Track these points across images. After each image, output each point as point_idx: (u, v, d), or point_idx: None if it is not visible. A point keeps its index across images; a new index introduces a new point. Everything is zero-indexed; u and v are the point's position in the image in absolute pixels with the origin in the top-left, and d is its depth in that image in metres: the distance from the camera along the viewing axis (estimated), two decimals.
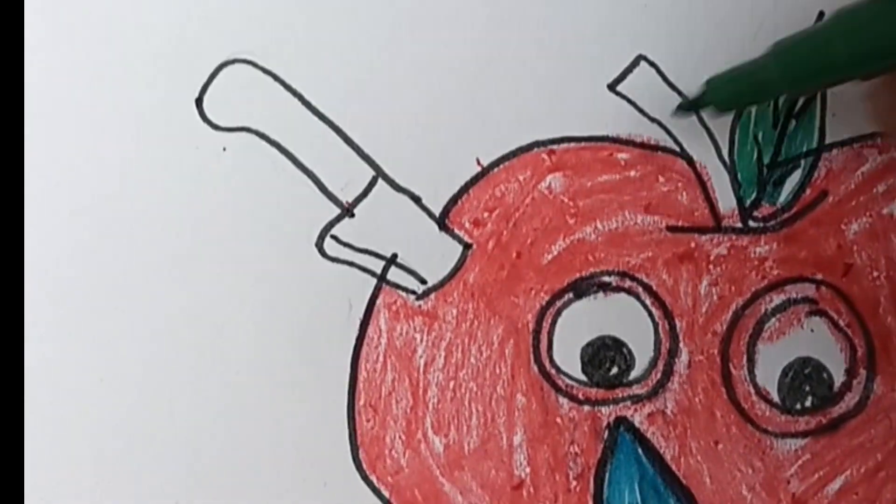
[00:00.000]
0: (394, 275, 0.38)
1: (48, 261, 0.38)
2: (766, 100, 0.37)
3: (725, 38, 0.37)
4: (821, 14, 0.37)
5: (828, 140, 0.38)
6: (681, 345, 0.37)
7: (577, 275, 0.38)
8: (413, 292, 0.38)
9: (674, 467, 0.37)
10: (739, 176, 0.38)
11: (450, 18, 0.38)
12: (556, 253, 0.38)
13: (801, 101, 0.37)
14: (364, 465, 0.38)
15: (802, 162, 0.38)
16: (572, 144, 0.38)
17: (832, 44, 0.32)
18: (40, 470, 0.38)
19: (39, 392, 0.38)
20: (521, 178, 0.38)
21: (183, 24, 0.38)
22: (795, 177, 0.38)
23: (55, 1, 0.38)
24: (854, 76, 0.33)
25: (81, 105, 0.38)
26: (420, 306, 0.38)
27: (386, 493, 0.38)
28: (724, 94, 0.36)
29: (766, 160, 0.38)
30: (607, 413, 0.38)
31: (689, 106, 0.37)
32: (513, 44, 0.38)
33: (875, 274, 0.37)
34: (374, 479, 0.38)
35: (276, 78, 0.38)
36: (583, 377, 0.38)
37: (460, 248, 0.38)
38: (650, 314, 0.38)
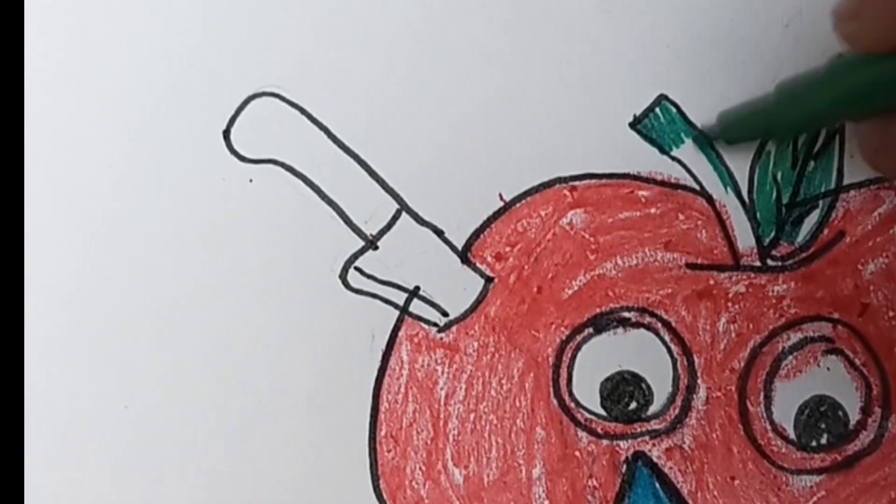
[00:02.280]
0: (416, 307, 0.38)
1: (69, 288, 0.38)
2: (771, 137, 0.38)
3: (746, 79, 0.38)
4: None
5: (846, 181, 0.38)
6: (699, 381, 0.38)
7: (597, 310, 0.38)
8: (435, 325, 0.38)
9: (690, 502, 0.38)
10: (758, 215, 0.38)
11: (475, 55, 0.39)
12: (576, 288, 0.38)
13: (819, 143, 0.38)
14: (384, 496, 0.38)
15: (821, 202, 0.38)
16: (594, 181, 0.38)
17: (822, 92, 0.34)
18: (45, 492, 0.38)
19: (61, 417, 0.38)
20: (542, 213, 0.38)
21: (211, 56, 0.39)
22: (814, 217, 0.38)
23: (81, 31, 0.39)
24: (845, 120, 0.36)
25: (108, 136, 0.38)
26: (442, 339, 0.38)
27: None
28: (734, 129, 0.37)
29: (785, 200, 0.38)
30: (626, 447, 0.38)
31: (702, 139, 0.38)
32: (536, 81, 0.39)
33: (891, 314, 0.38)
34: None
35: (302, 111, 0.39)
36: (602, 411, 0.38)
37: (482, 281, 0.38)
38: (669, 350, 0.38)
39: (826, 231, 0.38)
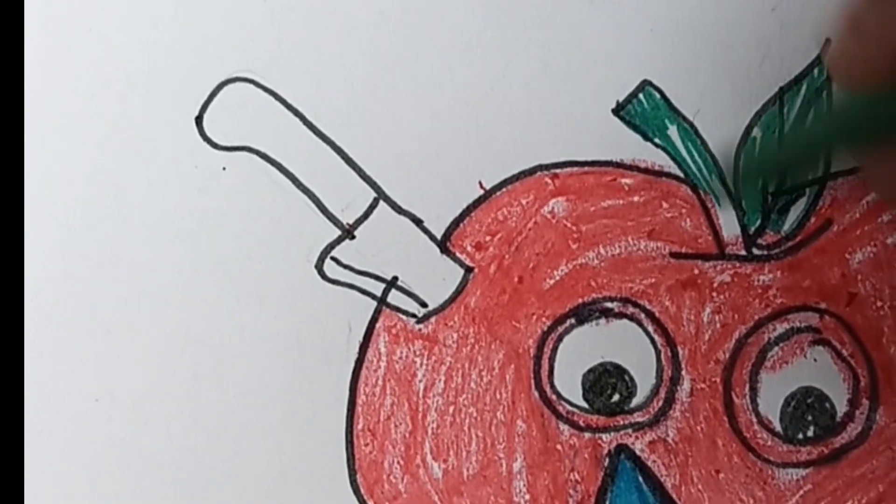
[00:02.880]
0: (394, 298, 0.38)
1: (44, 279, 0.38)
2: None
3: (731, 64, 0.37)
4: (828, 41, 0.37)
5: (833, 168, 0.37)
6: (683, 372, 0.37)
7: (580, 300, 0.37)
8: (413, 315, 0.38)
9: (674, 496, 0.37)
10: (744, 203, 0.37)
11: (454, 40, 0.38)
12: (558, 278, 0.38)
13: None
14: (362, 490, 0.37)
15: (808, 190, 0.37)
16: (576, 169, 0.38)
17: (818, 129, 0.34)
18: (39, 487, 0.37)
19: (35, 410, 0.37)
20: (523, 201, 0.38)
21: (183, 41, 0.38)
22: (800, 205, 0.37)
23: (55, 17, 0.38)
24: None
25: (80, 122, 0.38)
26: (420, 330, 0.38)
27: None
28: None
29: (771, 188, 0.37)
30: (608, 440, 0.37)
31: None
32: (518, 67, 0.38)
33: (879, 304, 0.37)
34: None
35: (276, 97, 0.38)
36: (584, 404, 0.37)
37: (461, 271, 0.38)
38: (652, 341, 0.37)
39: (813, 219, 0.37)
